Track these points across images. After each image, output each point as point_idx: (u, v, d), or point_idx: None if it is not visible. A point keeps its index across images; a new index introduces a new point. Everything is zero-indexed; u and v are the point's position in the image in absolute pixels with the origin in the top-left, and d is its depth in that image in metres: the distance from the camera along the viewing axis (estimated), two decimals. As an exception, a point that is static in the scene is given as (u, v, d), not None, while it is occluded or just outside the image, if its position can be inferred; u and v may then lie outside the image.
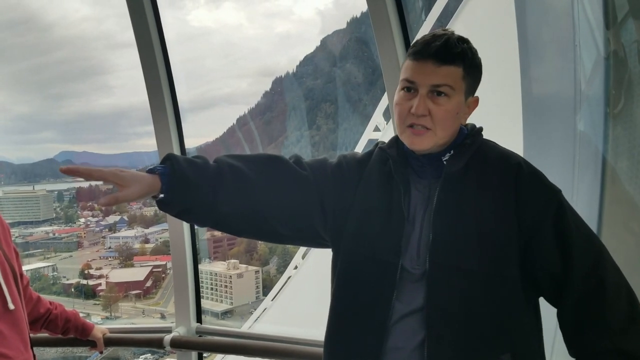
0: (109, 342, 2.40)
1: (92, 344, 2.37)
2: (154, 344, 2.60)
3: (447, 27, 1.50)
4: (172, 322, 2.76)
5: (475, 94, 1.45)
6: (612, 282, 1.33)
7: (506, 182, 1.37)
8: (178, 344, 2.57)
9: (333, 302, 1.50)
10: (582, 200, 1.90)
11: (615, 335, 1.31)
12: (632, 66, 1.85)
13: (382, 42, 2.12)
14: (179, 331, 2.64)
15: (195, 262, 2.73)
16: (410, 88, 1.38)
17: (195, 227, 2.79)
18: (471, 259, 1.33)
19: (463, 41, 1.38)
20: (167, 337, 2.56)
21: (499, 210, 1.35)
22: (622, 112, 1.88)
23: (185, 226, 2.72)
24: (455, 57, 1.35)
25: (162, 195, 1.38)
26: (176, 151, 2.77)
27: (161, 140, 2.76)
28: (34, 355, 1.86)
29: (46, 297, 2.21)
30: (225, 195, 1.42)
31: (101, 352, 2.40)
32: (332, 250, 1.55)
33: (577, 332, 1.36)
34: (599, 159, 1.92)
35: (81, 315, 2.31)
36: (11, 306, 1.72)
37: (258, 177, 1.46)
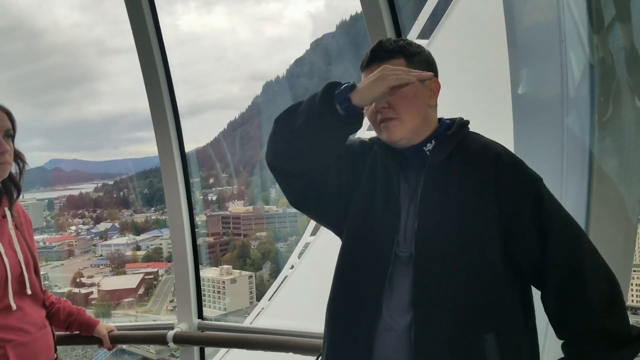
0: (114, 339, 2.43)
1: (99, 342, 2.40)
2: (157, 340, 2.64)
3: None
4: (173, 320, 2.80)
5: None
6: (590, 264, 1.41)
7: (486, 171, 1.44)
8: (181, 340, 2.62)
9: (333, 280, 1.58)
10: (570, 198, 1.96)
11: (597, 316, 1.38)
12: (618, 67, 1.92)
13: (377, 40, 2.18)
14: (181, 327, 2.68)
15: (196, 259, 2.78)
16: None
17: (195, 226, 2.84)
18: (454, 245, 1.41)
19: (400, 40, 1.54)
20: (170, 333, 2.61)
21: (480, 198, 1.42)
22: (610, 111, 1.95)
23: (186, 224, 2.77)
24: (392, 52, 1.49)
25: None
26: (176, 155, 2.83)
27: (161, 144, 2.82)
28: (53, 332, 2.09)
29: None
30: None
31: (109, 349, 2.43)
32: (338, 232, 1.64)
33: (561, 314, 1.43)
34: (587, 157, 1.98)
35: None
36: (28, 291, 1.95)
37: None
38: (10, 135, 1.92)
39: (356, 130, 1.47)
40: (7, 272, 1.87)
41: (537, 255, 1.41)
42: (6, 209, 1.97)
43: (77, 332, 2.33)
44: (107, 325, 2.42)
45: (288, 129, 1.48)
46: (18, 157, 1.99)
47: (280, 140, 1.51)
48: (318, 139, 1.45)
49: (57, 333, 2.27)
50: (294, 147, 1.48)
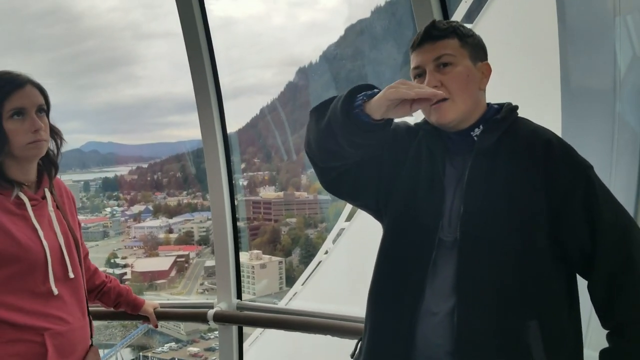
0: (157, 316, 2.51)
1: (145, 319, 2.48)
2: (199, 318, 2.72)
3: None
4: (211, 299, 2.87)
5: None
6: None
7: (536, 157, 1.42)
8: (221, 318, 2.68)
9: (376, 264, 1.59)
10: (619, 184, 1.91)
11: None
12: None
13: (422, 20, 2.16)
14: (220, 306, 2.74)
15: (236, 240, 2.83)
16: (419, 74, 1.50)
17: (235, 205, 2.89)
18: (500, 230, 1.40)
19: (452, 22, 1.53)
20: (211, 312, 2.68)
21: (528, 184, 1.41)
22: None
23: (227, 204, 2.82)
24: (446, 31, 1.48)
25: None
26: (219, 138, 2.88)
27: (205, 127, 2.87)
28: (91, 322, 2.00)
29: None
30: None
31: (155, 326, 2.51)
32: (380, 217, 1.65)
33: (609, 304, 1.41)
34: (638, 142, 1.93)
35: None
36: (71, 275, 1.85)
37: None
38: (44, 110, 1.81)
39: (378, 139, 1.40)
40: (46, 255, 1.77)
41: (586, 244, 1.40)
42: (46, 189, 1.87)
43: (124, 310, 2.39)
44: (152, 303, 2.50)
45: (315, 125, 1.47)
46: (55, 134, 1.90)
47: (310, 133, 1.50)
48: (339, 141, 1.42)
49: (104, 309, 2.35)
50: (320, 143, 1.48)
